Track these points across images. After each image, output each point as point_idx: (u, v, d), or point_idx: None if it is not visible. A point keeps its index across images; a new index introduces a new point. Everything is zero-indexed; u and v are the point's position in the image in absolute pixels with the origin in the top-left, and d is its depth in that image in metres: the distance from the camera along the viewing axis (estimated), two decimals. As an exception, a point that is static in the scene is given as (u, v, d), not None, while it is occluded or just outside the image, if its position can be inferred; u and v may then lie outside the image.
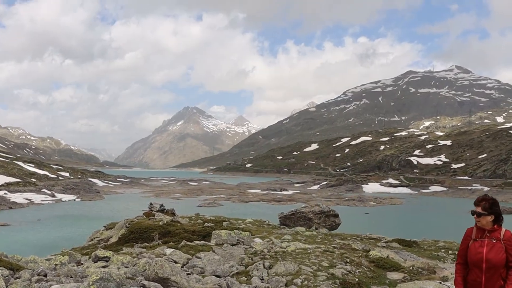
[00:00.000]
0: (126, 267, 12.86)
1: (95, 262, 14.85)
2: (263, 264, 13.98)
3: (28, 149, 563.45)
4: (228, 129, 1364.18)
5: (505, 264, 7.68)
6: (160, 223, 23.79)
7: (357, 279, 13.65)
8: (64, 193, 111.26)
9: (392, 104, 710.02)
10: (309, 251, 16.74)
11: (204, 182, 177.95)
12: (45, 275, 12.44)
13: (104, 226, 29.94)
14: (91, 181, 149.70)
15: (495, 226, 7.80)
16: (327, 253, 16.86)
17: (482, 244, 7.77)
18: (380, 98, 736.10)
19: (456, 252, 26.80)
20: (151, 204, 32.94)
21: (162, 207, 31.94)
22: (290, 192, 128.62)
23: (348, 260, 15.82)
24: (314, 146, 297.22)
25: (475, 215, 7.89)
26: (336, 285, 12.89)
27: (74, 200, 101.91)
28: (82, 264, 15.83)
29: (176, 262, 13.57)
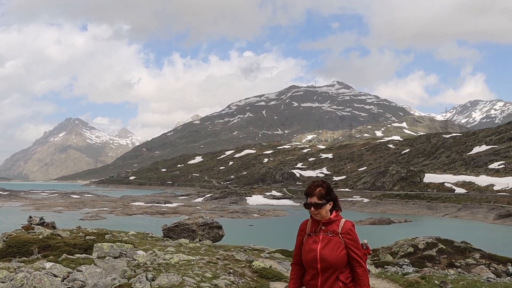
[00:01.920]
0: (2, 282, 12.42)
1: (-31, 278, 14.26)
2: (146, 276, 13.83)
3: None
4: (111, 141, 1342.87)
5: (347, 263, 6.36)
6: (40, 236, 23.10)
7: (240, 290, 13.72)
8: None
9: (275, 117, 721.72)
10: (192, 263, 16.69)
11: (86, 195, 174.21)
12: None
13: (-20, 241, 28.81)
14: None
15: (334, 214, 6.51)
16: (211, 264, 16.87)
17: (317, 240, 6.38)
18: (264, 112, 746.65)
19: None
20: (30, 217, 31.96)
21: (42, 221, 31.05)
22: (174, 204, 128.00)
23: (231, 271, 15.88)
24: (198, 159, 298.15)
25: (311, 208, 6.44)
26: (220, 296, 12.91)
27: None
28: (-45, 280, 15.16)
29: (56, 276, 13.21)
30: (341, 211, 6.68)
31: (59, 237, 23.12)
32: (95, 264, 15.73)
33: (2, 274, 13.71)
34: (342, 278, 6.31)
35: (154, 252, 19.03)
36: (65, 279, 13.56)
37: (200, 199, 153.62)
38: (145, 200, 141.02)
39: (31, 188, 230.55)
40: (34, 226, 28.66)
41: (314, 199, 6.41)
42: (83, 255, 18.01)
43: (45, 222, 31.06)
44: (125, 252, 17.93)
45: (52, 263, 15.84)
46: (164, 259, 17.04)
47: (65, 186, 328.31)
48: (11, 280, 12.07)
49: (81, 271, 14.12)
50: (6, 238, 23.68)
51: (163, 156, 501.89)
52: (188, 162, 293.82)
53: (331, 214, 6.51)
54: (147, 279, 13.65)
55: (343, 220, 6.49)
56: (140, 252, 18.76)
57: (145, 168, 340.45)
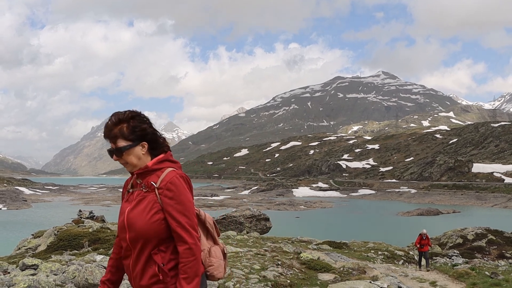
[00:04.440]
0: (55, 274, 12.60)
1: (22, 271, 14.49)
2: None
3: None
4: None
5: (168, 236, 3.95)
6: (90, 230, 23.43)
7: (288, 281, 13.72)
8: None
9: (321, 109, 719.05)
10: (240, 255, 16.74)
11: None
12: (-29, 285, 12.11)
13: (32, 235, 29.27)
14: (17, 189, 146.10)
15: (155, 160, 4.12)
16: (259, 256, 16.90)
17: (130, 198, 4.11)
18: (309, 103, 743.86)
19: (386, 253, 27.35)
20: (80, 211, 32.46)
21: (91, 214, 31.51)
22: (221, 197, 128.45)
23: (279, 262, 15.89)
24: (244, 152, 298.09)
25: (113, 156, 4.11)
26: (268, 287, 12.94)
27: (0, 209, 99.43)
28: (9, 273, 15.44)
29: (106, 269, 13.37)
30: (166, 154, 4.22)
31: (108, 231, 23.41)
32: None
33: (55, 266, 13.94)
34: (159, 260, 3.93)
35: (202, 244, 19.12)
36: (115, 271, 13.69)
37: (246, 192, 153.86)
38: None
39: (79, 183, 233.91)
40: (84, 220, 29.09)
41: (118, 142, 4.05)
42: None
43: (94, 216, 31.51)
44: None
45: (102, 256, 16.04)
46: (212, 251, 17.11)
47: (113, 180, 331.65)
48: (63, 273, 12.26)
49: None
50: (57, 231, 24.07)
51: (209, 150, 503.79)
52: (234, 155, 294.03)
53: (152, 159, 4.15)
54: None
55: (167, 170, 4.06)
56: (188, 245, 18.86)
57: (192, 161, 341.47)
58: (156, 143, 4.17)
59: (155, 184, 3.99)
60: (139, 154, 4.09)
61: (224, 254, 4.36)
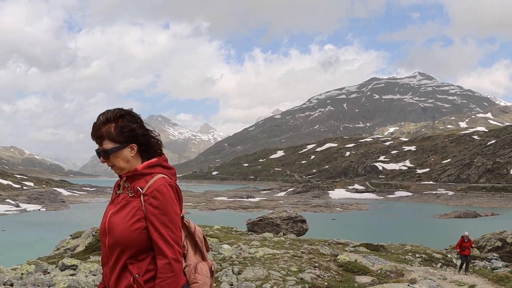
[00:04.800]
0: (94, 275, 12.76)
1: (62, 271, 14.68)
2: (232, 270, 13.97)
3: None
4: (194, 137, 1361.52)
5: (148, 247, 3.59)
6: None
7: (326, 283, 13.69)
8: (28, 203, 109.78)
9: (356, 110, 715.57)
10: (277, 256, 16.76)
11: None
12: (11, 285, 12.28)
13: (71, 235, 29.63)
14: (56, 190, 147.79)
15: (146, 164, 3.76)
16: (296, 258, 16.90)
17: (116, 201, 3.84)
18: (344, 105, 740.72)
19: (423, 256, 27.13)
20: (117, 212, 32.69)
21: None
22: (257, 199, 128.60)
23: (316, 264, 15.87)
24: (280, 153, 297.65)
25: (100, 158, 3.80)
26: (306, 289, 12.93)
27: (39, 210, 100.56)
28: (49, 273, 15.64)
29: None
30: (160, 158, 3.87)
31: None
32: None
33: (93, 267, 14.12)
34: (134, 270, 3.58)
35: (239, 246, 19.19)
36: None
37: (282, 193, 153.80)
38: (227, 195, 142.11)
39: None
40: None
41: (104, 144, 3.72)
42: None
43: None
44: (211, 246, 18.11)
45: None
46: (249, 253, 17.17)
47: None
48: (101, 273, 12.40)
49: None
50: (95, 232, 24.34)
51: (244, 151, 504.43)
52: (270, 157, 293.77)
53: (142, 162, 3.82)
54: (233, 273, 13.78)
55: (157, 176, 3.68)
56: (226, 246, 18.94)
57: (227, 163, 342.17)
58: (147, 145, 3.82)
59: (142, 190, 3.64)
60: (127, 157, 3.75)
61: (212, 272, 4.01)
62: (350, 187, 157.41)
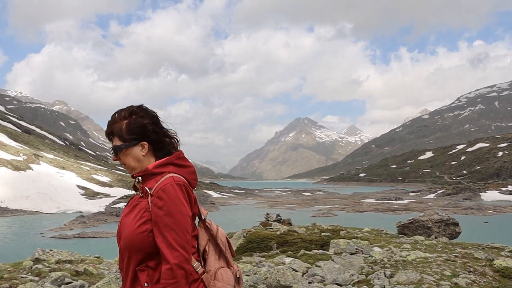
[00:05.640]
0: (247, 275, 13.02)
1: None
2: (384, 273, 13.82)
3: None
4: (340, 139, 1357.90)
5: (152, 250, 3.33)
6: (278, 232, 23.91)
7: (482, 289, 13.27)
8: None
9: (509, 108, 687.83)
10: (430, 260, 16.40)
11: (317, 193, 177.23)
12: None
13: (222, 236, 30.36)
14: (206, 192, 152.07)
15: (157, 163, 3.54)
16: (449, 262, 16.47)
17: (130, 203, 3.57)
18: (496, 103, 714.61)
19: None
20: (267, 214, 33.22)
21: (278, 217, 32.15)
22: (405, 201, 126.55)
23: (471, 269, 15.39)
24: (428, 154, 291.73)
25: (113, 156, 3.64)
26: (461, 295, 12.59)
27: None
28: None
29: (296, 271, 13.63)
30: (171, 156, 3.63)
31: (296, 233, 23.81)
32: (332, 260, 16.01)
33: (247, 267, 14.40)
34: (143, 278, 3.35)
35: (390, 249, 18.97)
36: (304, 273, 13.94)
37: (431, 196, 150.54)
38: (375, 197, 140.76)
39: (264, 187, 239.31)
40: (271, 222, 29.79)
41: (114, 141, 3.57)
42: (320, 251, 18.36)
43: (281, 218, 32.16)
44: (361, 249, 18.04)
45: (291, 258, 16.38)
46: (401, 256, 16.92)
47: (297, 184, 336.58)
48: (255, 274, 12.67)
49: (319, 266, 14.41)
50: (246, 234, 24.85)
51: (392, 153, 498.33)
52: (418, 158, 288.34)
53: (155, 161, 3.60)
54: (385, 276, 13.66)
55: (167, 175, 3.45)
56: (376, 249, 18.79)
57: (375, 164, 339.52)
58: (160, 143, 3.61)
59: (150, 190, 3.42)
60: (138, 156, 3.55)
61: (237, 279, 3.68)
62: (503, 188, 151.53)
